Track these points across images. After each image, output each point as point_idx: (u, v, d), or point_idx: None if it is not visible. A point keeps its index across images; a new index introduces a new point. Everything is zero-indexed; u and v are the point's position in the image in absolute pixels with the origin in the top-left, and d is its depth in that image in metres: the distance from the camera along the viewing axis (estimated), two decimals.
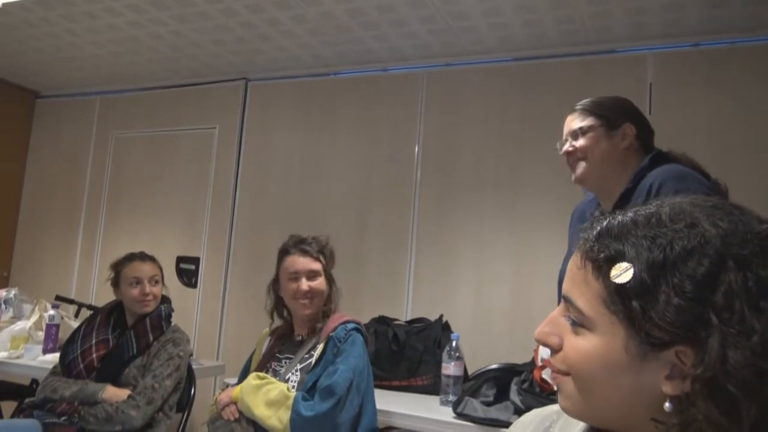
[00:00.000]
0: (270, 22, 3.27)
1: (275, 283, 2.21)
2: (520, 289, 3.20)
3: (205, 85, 4.19)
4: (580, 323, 0.64)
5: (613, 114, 1.72)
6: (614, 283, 0.61)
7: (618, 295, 0.60)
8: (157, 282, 2.52)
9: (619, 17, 2.94)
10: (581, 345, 0.64)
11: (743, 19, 2.87)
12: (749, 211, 0.63)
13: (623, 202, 1.62)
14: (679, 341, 0.58)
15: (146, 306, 2.46)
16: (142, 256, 2.55)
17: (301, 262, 2.14)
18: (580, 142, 1.72)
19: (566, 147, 1.76)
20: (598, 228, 0.66)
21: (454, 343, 2.33)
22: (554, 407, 0.80)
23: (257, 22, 3.28)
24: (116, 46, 3.77)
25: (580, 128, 1.73)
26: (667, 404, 0.59)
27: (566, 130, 1.78)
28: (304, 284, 2.11)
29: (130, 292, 2.46)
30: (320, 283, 2.14)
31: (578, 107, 1.78)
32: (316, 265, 2.15)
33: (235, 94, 4.10)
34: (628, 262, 0.60)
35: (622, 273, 0.60)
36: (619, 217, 0.65)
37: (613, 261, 0.62)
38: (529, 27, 3.10)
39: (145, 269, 2.50)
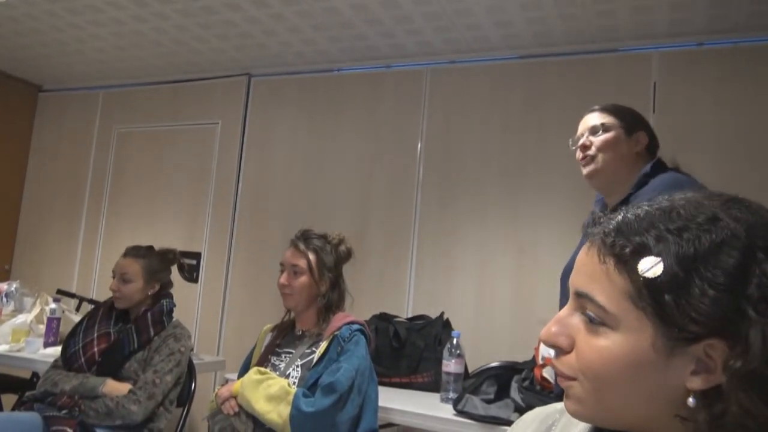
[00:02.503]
0: (275, 17, 3.27)
1: None
2: (522, 287, 3.19)
3: (208, 80, 4.19)
4: (600, 321, 0.62)
5: (631, 120, 1.80)
6: (643, 277, 0.59)
7: (648, 290, 0.59)
8: (126, 281, 2.44)
9: (624, 16, 2.93)
10: (602, 344, 0.62)
11: (749, 18, 2.86)
12: (759, 204, 0.63)
13: (623, 205, 1.67)
14: (713, 334, 0.57)
15: (116, 301, 2.47)
16: (128, 252, 2.53)
17: (288, 255, 2.17)
18: (599, 138, 1.78)
19: (583, 140, 1.81)
20: (615, 222, 0.64)
21: (454, 341, 2.33)
22: (557, 406, 0.79)
23: (262, 17, 3.27)
24: (119, 40, 3.76)
25: (602, 124, 1.78)
26: (691, 399, 0.59)
27: (583, 126, 1.84)
28: (283, 277, 2.14)
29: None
30: (302, 280, 2.12)
31: (600, 108, 1.85)
32: (301, 262, 2.13)
33: (238, 89, 4.09)
34: (656, 255, 0.59)
35: (653, 267, 0.59)
36: (634, 211, 0.64)
37: (638, 255, 0.60)
38: (534, 25, 3.09)
39: (120, 264, 2.48)
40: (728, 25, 2.93)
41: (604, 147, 1.77)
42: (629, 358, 0.60)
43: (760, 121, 2.88)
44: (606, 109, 1.83)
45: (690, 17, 2.90)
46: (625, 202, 1.66)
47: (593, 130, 1.80)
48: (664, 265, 0.58)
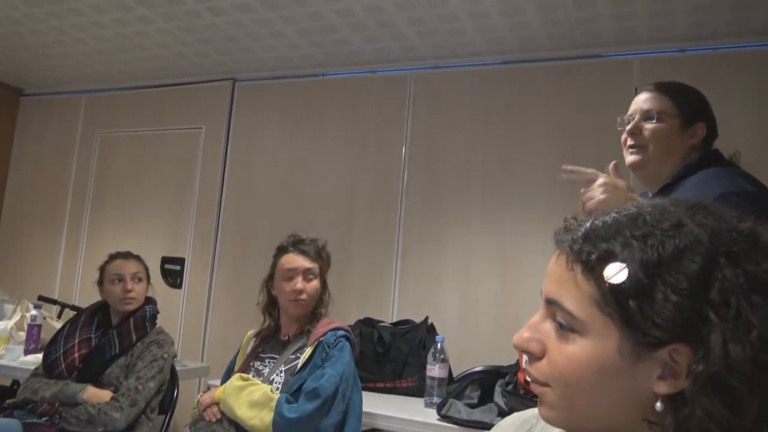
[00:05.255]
0: (259, 22, 3.26)
1: (269, 280, 2.21)
2: (506, 292, 3.20)
3: (192, 84, 4.17)
4: (569, 327, 0.63)
5: (691, 109, 1.60)
6: (608, 283, 0.60)
7: (613, 296, 0.60)
8: (140, 280, 2.50)
9: (606, 22, 2.95)
10: (571, 351, 0.63)
11: (729, 25, 2.90)
12: (724, 210, 0.64)
13: (661, 195, 1.55)
14: (676, 339, 0.58)
15: (128, 304, 2.44)
16: (126, 255, 2.54)
17: (298, 260, 2.15)
18: (650, 127, 1.58)
19: (632, 125, 1.61)
20: (582, 230, 0.65)
21: (439, 345, 2.33)
22: (534, 410, 0.79)
23: (246, 21, 3.27)
24: (102, 44, 3.74)
25: (658, 112, 1.58)
26: (658, 404, 0.59)
27: (635, 107, 1.64)
28: (300, 282, 2.11)
29: (112, 289, 2.44)
30: (315, 284, 2.15)
31: (657, 87, 1.63)
32: (314, 266, 2.16)
33: (223, 94, 4.07)
34: (621, 261, 0.60)
35: (617, 273, 0.59)
36: (602, 218, 0.65)
37: (604, 261, 0.61)
38: (517, 30, 3.11)
39: (127, 266, 2.48)
40: (708, 31, 2.97)
41: (655, 138, 1.57)
42: (597, 364, 0.61)
43: (739, 126, 2.91)
44: (665, 92, 1.60)
45: (671, 24, 2.93)
46: (664, 191, 1.54)
47: (646, 116, 1.59)
48: (629, 271, 0.59)
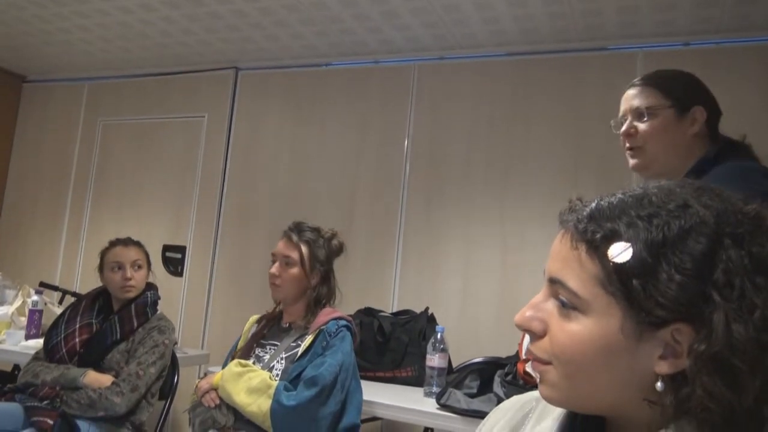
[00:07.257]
0: (263, 10, 3.25)
1: None
2: (506, 283, 3.21)
3: (195, 73, 4.16)
4: (572, 306, 0.63)
5: (683, 94, 1.50)
6: (613, 262, 0.60)
7: (617, 275, 0.60)
8: (139, 267, 2.50)
9: (610, 15, 2.95)
10: (574, 329, 0.63)
11: (733, 19, 2.89)
12: (730, 193, 0.64)
13: None
14: (679, 319, 0.58)
15: (128, 291, 2.45)
16: (126, 242, 2.54)
17: (281, 245, 2.17)
18: (644, 126, 1.49)
19: (626, 127, 1.52)
20: (588, 209, 0.65)
21: (439, 335, 2.34)
22: (534, 393, 0.80)
23: (250, 10, 3.26)
24: (105, 31, 3.73)
25: (647, 108, 1.49)
26: (659, 384, 0.60)
27: (626, 106, 1.54)
28: (273, 267, 2.15)
29: (111, 277, 2.45)
30: (293, 272, 2.13)
31: (642, 81, 1.54)
32: (293, 253, 2.14)
33: (225, 82, 4.07)
34: (626, 241, 0.60)
35: (622, 252, 0.60)
36: (608, 199, 0.65)
37: (609, 241, 0.61)
38: (521, 22, 3.11)
39: (127, 254, 2.48)
40: (712, 25, 2.96)
41: (652, 136, 1.48)
42: (599, 343, 0.61)
43: (743, 119, 2.90)
44: (651, 84, 1.51)
45: (675, 18, 2.92)
46: None
47: (637, 114, 1.50)
48: (633, 250, 0.59)
